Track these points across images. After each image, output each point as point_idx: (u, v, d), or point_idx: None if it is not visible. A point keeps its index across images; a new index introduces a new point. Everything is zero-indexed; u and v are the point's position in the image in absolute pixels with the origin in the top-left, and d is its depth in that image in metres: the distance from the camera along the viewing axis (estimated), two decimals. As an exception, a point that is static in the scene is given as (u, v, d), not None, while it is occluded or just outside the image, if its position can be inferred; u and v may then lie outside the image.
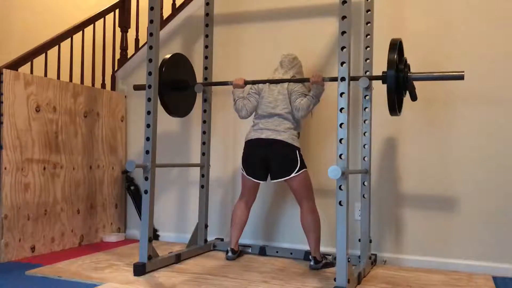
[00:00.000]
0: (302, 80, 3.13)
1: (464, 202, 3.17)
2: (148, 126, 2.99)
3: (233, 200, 3.78)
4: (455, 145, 3.21)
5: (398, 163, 3.35)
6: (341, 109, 2.54)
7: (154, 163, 3.00)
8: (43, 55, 3.53)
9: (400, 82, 2.71)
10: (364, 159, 3.15)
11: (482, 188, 3.14)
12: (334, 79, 2.92)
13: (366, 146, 3.15)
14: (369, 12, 3.21)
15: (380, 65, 3.04)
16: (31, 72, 3.42)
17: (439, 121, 3.25)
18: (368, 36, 3.21)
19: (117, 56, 4.27)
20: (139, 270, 2.84)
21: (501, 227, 3.09)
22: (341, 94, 2.55)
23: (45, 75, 3.57)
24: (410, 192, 3.31)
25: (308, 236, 3.06)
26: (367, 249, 3.10)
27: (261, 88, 3.22)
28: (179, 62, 3.40)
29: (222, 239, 3.74)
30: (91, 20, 3.94)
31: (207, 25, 3.63)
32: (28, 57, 3.40)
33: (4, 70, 3.14)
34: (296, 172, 3.01)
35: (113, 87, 4.24)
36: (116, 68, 4.26)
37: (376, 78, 2.89)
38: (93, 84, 4.00)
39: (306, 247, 3.40)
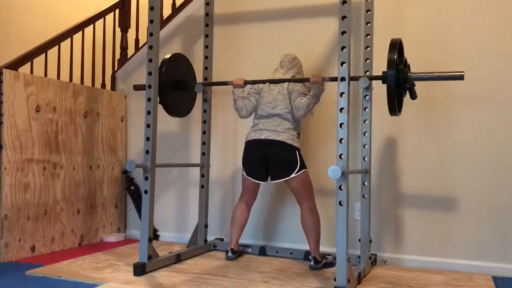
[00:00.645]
0: (302, 80, 3.13)
1: (464, 202, 3.18)
2: (148, 126, 2.99)
3: (233, 200, 3.79)
4: (455, 145, 3.21)
5: (398, 163, 3.35)
6: (341, 109, 2.54)
7: (154, 163, 2.99)
8: (43, 55, 3.52)
9: (400, 82, 2.71)
10: (364, 159, 3.15)
11: (482, 188, 3.14)
12: (334, 79, 2.92)
13: (366, 146, 3.15)
14: (369, 12, 3.21)
15: (380, 65, 3.04)
16: (31, 72, 3.42)
17: (439, 121, 3.25)
18: (368, 36, 3.21)
19: (117, 56, 4.27)
20: (139, 270, 2.84)
21: (501, 227, 3.09)
22: (341, 94, 2.55)
23: (45, 75, 3.56)
24: (410, 192, 3.31)
25: (308, 236, 3.06)
26: (367, 249, 3.10)
27: (261, 88, 3.22)
28: (179, 62, 3.40)
29: (222, 239, 3.74)
30: (91, 20, 3.94)
31: (207, 25, 3.63)
32: (28, 57, 3.40)
33: (4, 70, 3.14)
34: (296, 173, 3.01)
35: (113, 87, 4.24)
36: (116, 68, 4.26)
37: (376, 78, 2.89)
38: (93, 84, 4.00)
39: (306, 247, 3.40)
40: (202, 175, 3.57)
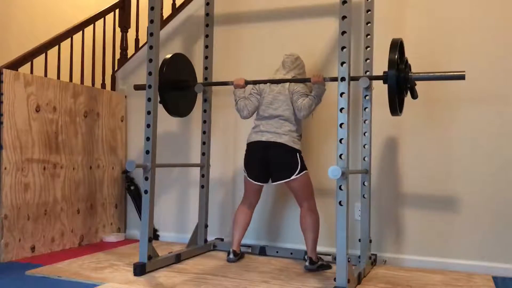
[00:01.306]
0: (303, 80, 3.13)
1: (464, 202, 3.17)
2: (148, 126, 2.99)
3: (233, 200, 3.79)
4: (455, 145, 3.21)
5: (398, 163, 3.35)
6: (341, 109, 2.54)
7: (154, 163, 2.99)
8: (43, 55, 3.52)
9: (401, 82, 2.71)
10: (364, 159, 3.15)
11: (482, 188, 3.14)
12: (334, 79, 2.91)
13: (366, 146, 3.14)
14: (369, 12, 3.21)
15: (380, 65, 3.04)
16: (31, 72, 3.42)
17: (440, 121, 3.25)
18: (368, 36, 3.21)
19: (117, 56, 4.27)
20: (139, 270, 2.84)
21: (501, 227, 3.09)
22: (341, 94, 2.55)
23: (45, 75, 3.56)
24: (410, 192, 3.31)
25: (306, 235, 3.04)
26: (367, 249, 3.10)
27: (262, 89, 3.21)
28: (180, 62, 3.40)
29: (222, 239, 3.74)
30: (91, 20, 3.94)
31: (207, 25, 3.63)
32: (28, 57, 3.40)
33: (4, 70, 3.14)
34: (297, 175, 3.00)
35: (113, 87, 4.24)
36: (116, 68, 4.26)
37: (377, 78, 2.89)
38: (93, 84, 4.00)
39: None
40: (202, 175, 3.57)
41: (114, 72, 4.25)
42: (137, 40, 4.27)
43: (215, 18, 3.70)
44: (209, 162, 3.60)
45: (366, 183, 3.12)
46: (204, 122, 3.58)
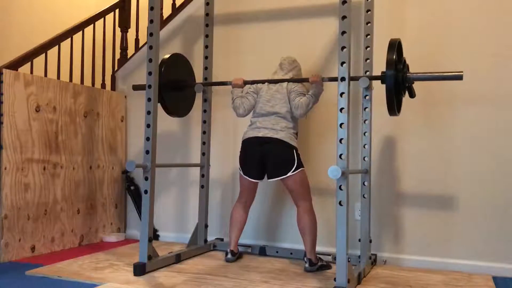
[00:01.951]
0: (301, 80, 3.13)
1: (464, 202, 3.17)
2: (148, 126, 2.99)
3: (233, 200, 3.78)
4: (455, 145, 3.21)
5: (398, 163, 3.35)
6: (341, 109, 2.54)
7: (154, 163, 2.99)
8: (43, 55, 3.52)
9: (399, 82, 2.71)
10: (364, 159, 3.15)
11: (482, 188, 3.14)
12: (333, 79, 2.92)
13: (366, 146, 3.15)
14: (369, 12, 3.21)
15: (380, 65, 3.03)
16: (31, 72, 3.42)
17: (439, 121, 3.25)
18: (368, 36, 3.21)
19: (117, 56, 4.27)
20: (139, 270, 2.84)
21: (501, 227, 3.09)
22: (341, 94, 2.55)
23: (45, 75, 3.56)
24: (410, 192, 3.31)
25: (304, 237, 3.03)
26: (367, 249, 3.10)
27: (259, 88, 3.22)
28: (178, 62, 3.40)
29: (222, 239, 3.74)
30: (91, 20, 3.94)
31: (207, 25, 3.63)
32: (28, 57, 3.40)
33: (4, 70, 3.14)
34: (293, 171, 2.99)
35: (113, 87, 4.24)
36: (116, 68, 4.26)
37: (376, 78, 2.89)
38: (93, 84, 4.00)
39: (306, 247, 3.41)
40: (202, 175, 3.57)
41: (114, 72, 4.25)
42: (137, 40, 4.27)
43: (215, 18, 3.70)
44: (209, 162, 3.60)
45: (366, 183, 3.12)
46: (204, 122, 3.58)
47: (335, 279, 2.48)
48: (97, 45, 4.02)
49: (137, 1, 4.24)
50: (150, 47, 3.01)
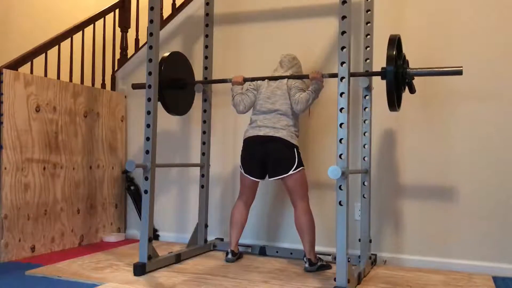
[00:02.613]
0: (301, 77, 3.13)
1: (464, 202, 3.17)
2: (148, 126, 2.99)
3: (233, 200, 3.78)
4: (456, 145, 3.21)
5: (398, 163, 3.34)
6: (341, 109, 2.54)
7: (154, 163, 2.99)
8: (43, 55, 3.52)
9: (399, 78, 2.71)
10: (364, 159, 3.15)
11: (482, 188, 3.13)
12: (333, 75, 2.93)
13: (366, 146, 3.15)
14: (369, 12, 3.21)
15: (380, 65, 3.03)
16: (31, 72, 3.42)
17: (439, 121, 3.25)
18: (368, 36, 3.21)
19: (117, 56, 4.27)
20: (139, 270, 2.84)
21: (501, 227, 3.09)
22: (341, 94, 2.55)
23: (45, 75, 3.56)
24: (410, 192, 3.31)
25: (303, 237, 3.01)
26: (367, 249, 3.10)
27: (259, 85, 3.22)
28: (178, 60, 3.39)
29: (222, 239, 3.74)
30: (91, 20, 3.94)
31: (207, 25, 3.63)
32: (28, 57, 3.40)
33: (4, 70, 3.14)
34: (294, 170, 2.99)
35: (113, 87, 4.24)
36: (116, 68, 4.26)
37: (376, 74, 2.88)
38: (93, 84, 4.00)
39: (306, 247, 3.41)
40: (202, 175, 3.57)
41: (114, 72, 4.25)
42: (137, 40, 4.27)
43: (215, 18, 3.70)
44: (209, 162, 3.60)
45: (366, 183, 3.12)
46: (204, 122, 3.58)
47: (335, 279, 2.48)
48: (97, 45, 4.02)
49: (137, 1, 4.24)
50: (150, 47, 3.01)
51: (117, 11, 4.24)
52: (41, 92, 3.39)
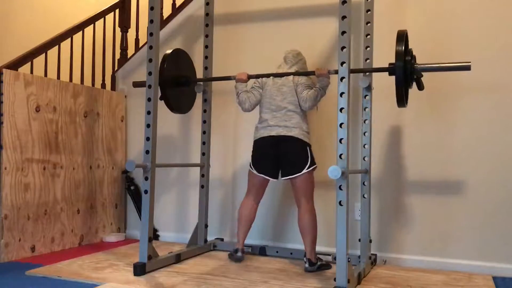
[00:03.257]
0: (306, 73, 3.11)
1: (464, 202, 3.17)
2: (148, 126, 2.99)
3: (233, 200, 3.79)
4: (456, 146, 3.21)
5: (398, 163, 3.34)
6: (341, 109, 2.54)
7: (154, 163, 2.99)
8: (43, 55, 3.53)
9: (407, 74, 2.70)
10: (364, 159, 3.15)
11: (482, 188, 3.13)
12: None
13: (366, 146, 3.14)
14: (369, 12, 3.21)
15: (380, 64, 3.03)
16: (31, 72, 3.42)
17: (439, 121, 3.25)
18: (368, 36, 3.20)
19: (117, 56, 4.27)
20: (139, 270, 2.84)
21: (501, 227, 3.08)
22: (341, 94, 2.55)
23: (45, 75, 3.57)
24: (410, 192, 3.30)
25: (304, 237, 3.01)
26: (367, 249, 3.10)
27: (264, 82, 3.19)
28: (180, 57, 3.36)
29: (222, 239, 3.74)
30: (91, 20, 3.94)
31: (207, 25, 3.63)
32: (28, 57, 3.40)
33: (4, 70, 3.14)
34: (307, 169, 2.99)
35: (113, 87, 4.24)
36: (116, 68, 4.26)
37: (384, 70, 2.86)
38: (93, 84, 4.00)
39: (306, 247, 3.41)
40: (202, 175, 3.57)
41: (114, 72, 4.25)
42: (137, 40, 4.27)
43: (215, 18, 3.70)
44: (209, 162, 3.60)
45: (366, 183, 3.12)
46: (204, 122, 3.58)
47: (335, 279, 2.48)
48: (97, 45, 4.02)
49: (137, 1, 4.24)
50: (150, 47, 3.01)
51: (117, 11, 4.24)
52: (41, 92, 3.39)
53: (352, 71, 2.72)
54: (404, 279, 2.89)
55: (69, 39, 3.74)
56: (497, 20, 3.15)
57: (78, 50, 3.86)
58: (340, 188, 2.48)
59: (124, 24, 4.29)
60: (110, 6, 4.16)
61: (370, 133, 3.14)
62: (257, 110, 3.24)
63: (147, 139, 2.98)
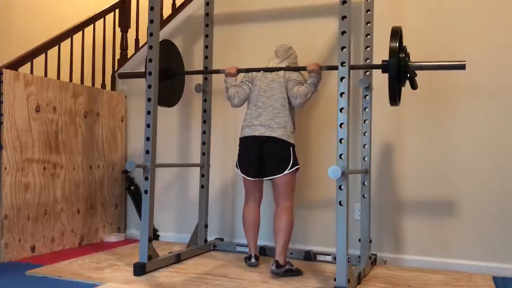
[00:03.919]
0: (298, 69, 3.06)
1: (464, 202, 3.17)
2: (148, 126, 2.99)
3: (233, 200, 3.79)
4: (456, 145, 3.21)
5: (398, 163, 3.34)
6: (341, 109, 2.54)
7: (154, 163, 2.99)
8: (43, 55, 3.52)
9: (401, 71, 2.68)
10: (364, 159, 3.15)
11: (482, 188, 3.13)
12: (331, 68, 2.93)
13: (366, 146, 3.14)
14: (369, 12, 3.21)
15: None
16: (31, 72, 3.42)
17: (440, 121, 3.25)
18: (368, 36, 3.20)
19: (117, 56, 4.27)
20: (139, 270, 2.84)
21: (501, 227, 3.08)
22: (341, 94, 2.55)
23: (45, 75, 3.56)
24: (410, 192, 3.30)
25: (277, 236, 2.90)
26: (367, 249, 3.10)
27: (254, 76, 3.12)
28: (167, 49, 3.28)
29: (222, 239, 3.74)
30: (91, 20, 3.94)
31: (207, 25, 3.63)
32: (28, 57, 3.40)
33: (4, 70, 3.14)
34: (289, 169, 2.92)
35: (113, 87, 4.24)
36: (116, 68, 4.26)
37: (377, 67, 2.86)
38: (93, 84, 4.00)
39: (306, 247, 3.42)
40: (202, 175, 3.57)
41: (114, 72, 4.25)
42: (137, 40, 4.27)
43: (215, 18, 3.70)
44: (209, 162, 3.60)
45: (366, 183, 3.12)
46: (204, 122, 3.58)
47: (335, 279, 2.48)
48: (97, 45, 4.02)
49: (137, 1, 4.24)
50: (150, 47, 3.01)
51: (117, 11, 4.24)
52: (41, 92, 3.39)
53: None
54: (404, 279, 2.89)
55: (69, 39, 3.74)
56: (497, 20, 3.15)
57: (78, 50, 3.86)
58: (340, 188, 2.48)
59: (124, 24, 4.29)
60: (110, 6, 4.16)
61: (370, 133, 3.14)
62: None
63: (147, 139, 2.98)
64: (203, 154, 3.58)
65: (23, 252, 3.25)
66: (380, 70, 2.82)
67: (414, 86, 2.78)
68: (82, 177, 3.76)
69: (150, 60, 3.01)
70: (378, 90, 3.18)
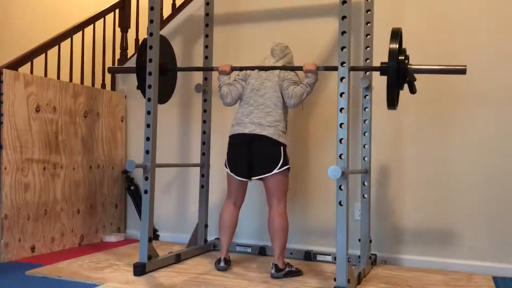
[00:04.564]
0: (294, 68, 3.03)
1: (465, 202, 3.17)
2: (148, 126, 2.99)
3: (233, 200, 3.78)
4: (456, 145, 3.21)
5: (398, 163, 3.34)
6: (341, 109, 2.54)
7: (154, 163, 2.99)
8: (43, 55, 3.52)
9: (400, 74, 2.65)
10: (364, 159, 3.15)
11: (482, 188, 3.14)
12: (328, 68, 2.92)
13: (366, 146, 3.15)
14: (369, 12, 3.21)
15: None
16: (31, 72, 3.42)
17: (440, 121, 3.25)
18: (368, 36, 3.21)
19: (117, 56, 4.27)
20: (139, 270, 2.84)
21: (501, 227, 3.08)
22: (341, 94, 2.55)
23: (45, 75, 3.56)
24: (410, 192, 3.31)
25: (273, 240, 2.85)
26: (367, 249, 3.10)
27: (248, 74, 3.06)
28: (161, 44, 3.16)
29: (222, 239, 3.74)
30: (91, 20, 3.94)
31: (207, 25, 3.63)
32: (28, 57, 3.40)
33: (4, 70, 3.14)
34: (278, 169, 2.84)
35: (113, 87, 4.24)
36: (116, 68, 4.26)
37: (375, 69, 2.85)
38: (93, 84, 4.00)
39: (306, 247, 3.42)
40: (202, 175, 3.57)
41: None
42: (137, 40, 4.27)
43: (215, 18, 3.70)
44: (209, 162, 3.60)
45: (366, 183, 3.12)
46: (204, 122, 3.58)
47: (335, 279, 2.48)
48: (97, 45, 4.01)
49: (137, 1, 4.24)
50: (150, 47, 3.01)
51: (117, 11, 4.24)
52: (41, 92, 3.39)
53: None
54: (404, 279, 2.89)
55: (69, 39, 3.74)
56: (501, 23, 3.14)
57: (78, 50, 3.86)
58: (340, 188, 2.48)
59: (124, 24, 4.29)
60: (110, 6, 4.16)
61: (370, 133, 3.14)
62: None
63: (147, 139, 2.98)
64: (203, 154, 3.58)
65: (23, 252, 3.25)
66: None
67: (412, 90, 2.74)
68: (82, 177, 3.76)
69: (150, 60, 3.01)
70: (378, 90, 3.17)
